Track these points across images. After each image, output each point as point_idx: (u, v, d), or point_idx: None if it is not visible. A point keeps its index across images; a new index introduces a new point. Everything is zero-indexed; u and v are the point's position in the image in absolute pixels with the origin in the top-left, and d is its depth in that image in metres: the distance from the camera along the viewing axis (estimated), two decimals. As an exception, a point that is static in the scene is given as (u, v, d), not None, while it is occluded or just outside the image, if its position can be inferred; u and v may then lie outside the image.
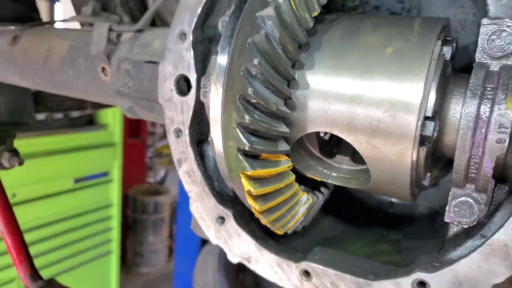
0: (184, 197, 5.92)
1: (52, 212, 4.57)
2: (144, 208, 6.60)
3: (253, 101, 0.54)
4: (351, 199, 0.95)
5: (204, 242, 5.64)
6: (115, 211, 5.61)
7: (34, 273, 1.34)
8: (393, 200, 0.93)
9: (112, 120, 5.53)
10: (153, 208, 6.67)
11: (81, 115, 5.21)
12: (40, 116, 3.60)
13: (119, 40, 0.86)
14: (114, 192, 5.56)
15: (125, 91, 0.82)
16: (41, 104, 1.44)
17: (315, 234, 0.78)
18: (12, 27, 1.10)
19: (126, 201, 6.47)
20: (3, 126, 1.27)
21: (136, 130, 7.02)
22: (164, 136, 12.42)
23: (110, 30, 0.85)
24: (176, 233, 6.30)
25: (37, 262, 1.42)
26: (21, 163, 1.28)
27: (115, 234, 5.65)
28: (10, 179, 4.25)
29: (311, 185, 0.75)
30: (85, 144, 5.16)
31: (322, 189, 0.77)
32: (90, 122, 5.38)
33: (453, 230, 0.64)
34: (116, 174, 5.54)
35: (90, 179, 5.25)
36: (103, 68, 0.87)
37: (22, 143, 4.35)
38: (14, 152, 1.24)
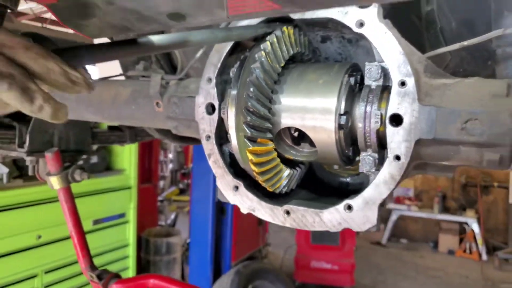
0: (195, 238, 6.30)
1: (73, 252, 4.94)
2: (156, 250, 6.91)
3: (251, 110, 1.05)
4: (321, 182, 1.43)
5: (215, 280, 5.94)
6: (131, 251, 5.89)
7: (92, 264, 1.78)
8: (348, 180, 1.40)
9: (128, 165, 5.99)
10: (165, 249, 6.96)
11: (99, 162, 5.73)
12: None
13: (167, 85, 1.38)
14: (130, 232, 5.90)
15: (173, 115, 1.33)
16: (94, 138, 1.95)
17: (294, 198, 1.26)
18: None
19: (140, 243, 6.76)
20: (72, 152, 1.79)
21: (148, 176, 7.50)
22: (172, 183, 12.82)
23: (162, 79, 1.37)
24: (189, 273, 6.59)
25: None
26: (89, 176, 1.77)
27: (131, 273, 5.92)
28: (35, 221, 4.66)
29: (290, 165, 1.24)
30: (104, 188, 5.55)
31: (297, 168, 1.25)
32: (107, 168, 5.87)
33: (371, 180, 1.11)
34: (131, 215, 5.91)
35: (108, 220, 5.56)
36: (157, 103, 1.38)
37: (47, 188, 4.76)
38: (83, 169, 1.74)
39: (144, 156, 7.26)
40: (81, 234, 1.78)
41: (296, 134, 1.20)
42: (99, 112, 1.59)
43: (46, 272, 4.47)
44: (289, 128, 1.16)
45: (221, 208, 6.23)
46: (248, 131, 1.06)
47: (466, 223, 10.92)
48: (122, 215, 5.77)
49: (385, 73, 1.03)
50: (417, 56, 1.03)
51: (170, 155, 11.80)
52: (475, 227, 10.59)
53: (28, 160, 1.68)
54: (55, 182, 1.65)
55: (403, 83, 0.96)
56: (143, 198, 6.74)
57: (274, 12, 0.59)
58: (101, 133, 1.98)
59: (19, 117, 1.81)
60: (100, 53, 0.67)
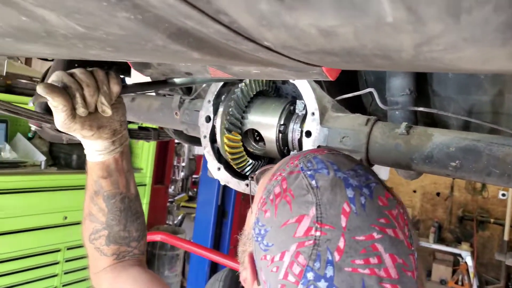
0: (197, 237, 7.02)
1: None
2: (162, 245, 7.60)
3: (231, 113, 1.82)
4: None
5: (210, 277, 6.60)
6: (141, 242, 6.58)
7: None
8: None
9: (145, 165, 6.78)
10: (170, 245, 7.63)
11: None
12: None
13: (183, 102, 2.16)
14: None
15: (185, 121, 2.11)
16: (129, 134, 2.74)
17: (255, 178, 2.00)
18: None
19: (147, 238, 7.41)
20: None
21: (161, 177, 8.28)
22: (182, 189, 13.60)
23: (180, 98, 2.16)
24: (188, 271, 7.28)
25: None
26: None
27: (138, 262, 6.60)
28: (63, 204, 5.33)
29: (255, 159, 1.99)
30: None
31: (259, 161, 2.00)
32: (128, 166, 6.66)
33: (298, 170, 1.85)
34: (145, 209, 6.64)
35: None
36: (176, 113, 2.17)
37: (76, 176, 5.47)
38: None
39: (160, 159, 8.05)
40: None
41: (257, 136, 1.96)
42: (137, 115, 2.39)
43: (68, 249, 5.11)
44: (252, 130, 1.92)
45: (223, 211, 6.96)
46: (226, 124, 1.83)
47: (460, 255, 11.32)
48: (137, 208, 6.53)
49: (306, 107, 1.78)
50: (327, 98, 1.78)
51: (183, 163, 12.60)
52: (469, 260, 10.96)
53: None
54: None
55: (313, 113, 1.71)
56: (155, 197, 7.49)
57: (232, 78, 1.36)
58: (133, 130, 2.75)
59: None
60: (149, 86, 1.45)
